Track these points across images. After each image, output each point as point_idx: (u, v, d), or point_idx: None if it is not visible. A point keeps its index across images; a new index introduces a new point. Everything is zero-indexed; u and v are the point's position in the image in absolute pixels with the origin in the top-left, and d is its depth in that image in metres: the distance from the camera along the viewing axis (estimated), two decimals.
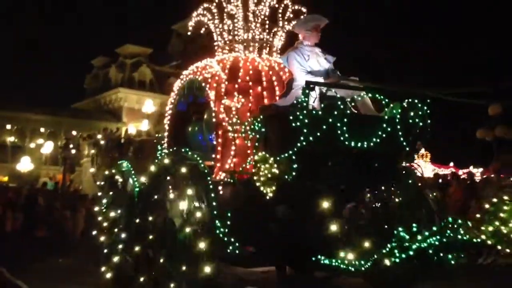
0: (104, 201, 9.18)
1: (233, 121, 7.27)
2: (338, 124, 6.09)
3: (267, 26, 8.69)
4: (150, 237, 6.58)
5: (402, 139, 6.54)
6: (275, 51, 8.72)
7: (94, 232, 9.27)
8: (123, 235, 7.82)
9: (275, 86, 7.73)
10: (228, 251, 5.73)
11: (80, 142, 33.83)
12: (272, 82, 7.76)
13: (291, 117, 5.99)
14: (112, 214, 8.60)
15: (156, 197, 6.65)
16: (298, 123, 5.94)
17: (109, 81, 43.04)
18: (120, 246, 7.85)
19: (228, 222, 5.80)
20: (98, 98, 43.27)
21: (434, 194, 7.53)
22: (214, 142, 7.91)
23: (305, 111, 5.92)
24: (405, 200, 6.36)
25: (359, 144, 6.25)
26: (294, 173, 6.02)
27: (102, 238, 8.90)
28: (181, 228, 6.05)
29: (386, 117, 6.52)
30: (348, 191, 6.29)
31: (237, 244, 5.78)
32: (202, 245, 5.65)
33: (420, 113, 6.62)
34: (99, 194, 9.45)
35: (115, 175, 8.84)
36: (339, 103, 6.22)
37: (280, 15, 8.74)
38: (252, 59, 8.13)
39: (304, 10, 8.77)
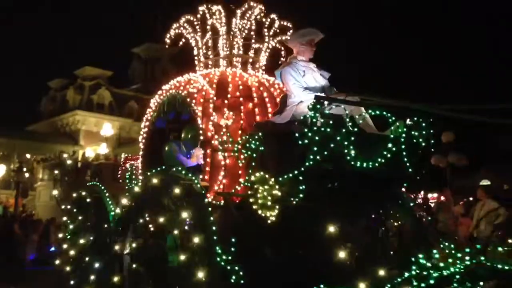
0: (71, 226, 8.45)
1: (224, 139, 6.71)
2: (346, 143, 5.63)
3: (253, 41, 8.26)
4: (134, 266, 5.91)
5: (406, 160, 6.14)
6: (259, 67, 8.28)
7: (57, 262, 8.51)
8: (96, 265, 7.10)
9: (267, 102, 7.25)
10: (232, 281, 5.12)
11: (34, 165, 32.42)
12: (263, 98, 7.30)
13: (297, 135, 5.48)
14: (82, 241, 7.89)
15: (141, 221, 5.99)
16: (306, 141, 5.43)
17: (67, 103, 41.74)
18: (93, 277, 7.13)
19: (232, 249, 5.20)
20: (54, 121, 41.83)
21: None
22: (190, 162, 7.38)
23: (315, 128, 5.41)
24: (412, 225, 5.93)
25: (364, 165, 5.81)
26: (300, 195, 5.48)
27: (68, 268, 8.15)
28: (173, 255, 5.41)
29: (391, 136, 6.11)
30: (354, 215, 5.81)
31: (241, 273, 5.18)
32: (200, 274, 5.03)
33: (424, 133, 6.26)
34: (65, 219, 8.70)
35: (85, 197, 8.14)
36: (347, 120, 5.78)
37: (266, 30, 8.35)
38: (240, 74, 7.65)
39: (290, 25, 8.42)
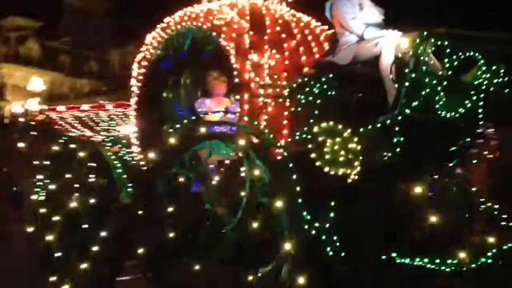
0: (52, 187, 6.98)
1: (267, 82, 5.51)
2: (439, 88, 4.62)
3: None
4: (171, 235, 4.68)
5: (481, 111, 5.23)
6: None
7: (31, 229, 7.06)
8: (103, 233, 5.77)
9: (310, 41, 6.07)
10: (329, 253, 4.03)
11: None
12: (305, 36, 6.10)
13: (391, 77, 4.41)
14: (73, 204, 6.49)
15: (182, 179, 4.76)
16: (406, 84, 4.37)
17: None
18: (95, 248, 5.80)
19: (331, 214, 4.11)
20: None
21: None
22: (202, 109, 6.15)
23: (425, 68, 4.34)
24: None
25: (448, 115, 4.85)
26: (396, 149, 4.42)
27: (50, 236, 6.73)
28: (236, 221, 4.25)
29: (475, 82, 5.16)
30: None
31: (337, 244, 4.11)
32: (287, 246, 3.91)
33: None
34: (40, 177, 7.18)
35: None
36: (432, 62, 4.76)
37: None
38: (274, 7, 6.38)
39: None
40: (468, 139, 5.21)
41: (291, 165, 4.33)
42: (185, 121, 5.28)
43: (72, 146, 6.43)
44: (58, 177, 6.37)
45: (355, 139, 4.60)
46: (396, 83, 4.53)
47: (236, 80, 5.69)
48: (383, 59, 5.07)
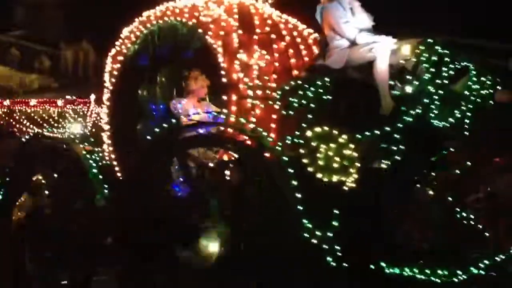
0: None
1: (256, 83, 5.32)
2: (437, 96, 4.57)
3: None
4: None
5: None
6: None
7: None
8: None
9: (298, 43, 5.92)
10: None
11: None
12: (294, 38, 5.95)
13: (395, 83, 4.31)
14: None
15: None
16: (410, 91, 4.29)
17: None
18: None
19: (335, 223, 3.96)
20: None
21: None
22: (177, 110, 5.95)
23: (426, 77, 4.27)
24: None
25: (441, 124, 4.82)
26: (396, 157, 4.32)
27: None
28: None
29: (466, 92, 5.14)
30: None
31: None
32: None
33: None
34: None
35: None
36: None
37: None
38: (262, 7, 6.21)
39: None
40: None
41: (290, 170, 4.16)
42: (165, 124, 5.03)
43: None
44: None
45: (352, 145, 4.50)
46: (395, 89, 4.44)
47: (224, 79, 5.47)
48: (378, 65, 5.00)
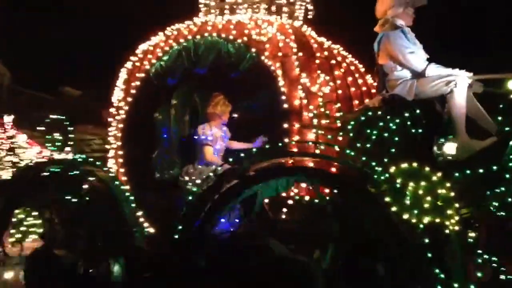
0: None
1: (322, 111, 4.92)
2: None
3: None
4: None
5: None
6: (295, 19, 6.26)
7: None
8: None
9: (353, 71, 5.60)
10: None
11: None
12: (348, 65, 5.63)
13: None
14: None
15: None
16: None
17: None
18: None
19: None
20: None
21: None
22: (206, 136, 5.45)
23: None
24: None
25: None
26: (504, 199, 4.04)
27: None
28: None
29: None
30: None
31: None
32: None
33: None
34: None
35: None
36: None
37: None
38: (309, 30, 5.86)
39: None
40: None
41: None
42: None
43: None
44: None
45: (447, 184, 4.19)
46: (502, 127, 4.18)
47: (285, 106, 5.02)
48: (456, 99, 4.78)
